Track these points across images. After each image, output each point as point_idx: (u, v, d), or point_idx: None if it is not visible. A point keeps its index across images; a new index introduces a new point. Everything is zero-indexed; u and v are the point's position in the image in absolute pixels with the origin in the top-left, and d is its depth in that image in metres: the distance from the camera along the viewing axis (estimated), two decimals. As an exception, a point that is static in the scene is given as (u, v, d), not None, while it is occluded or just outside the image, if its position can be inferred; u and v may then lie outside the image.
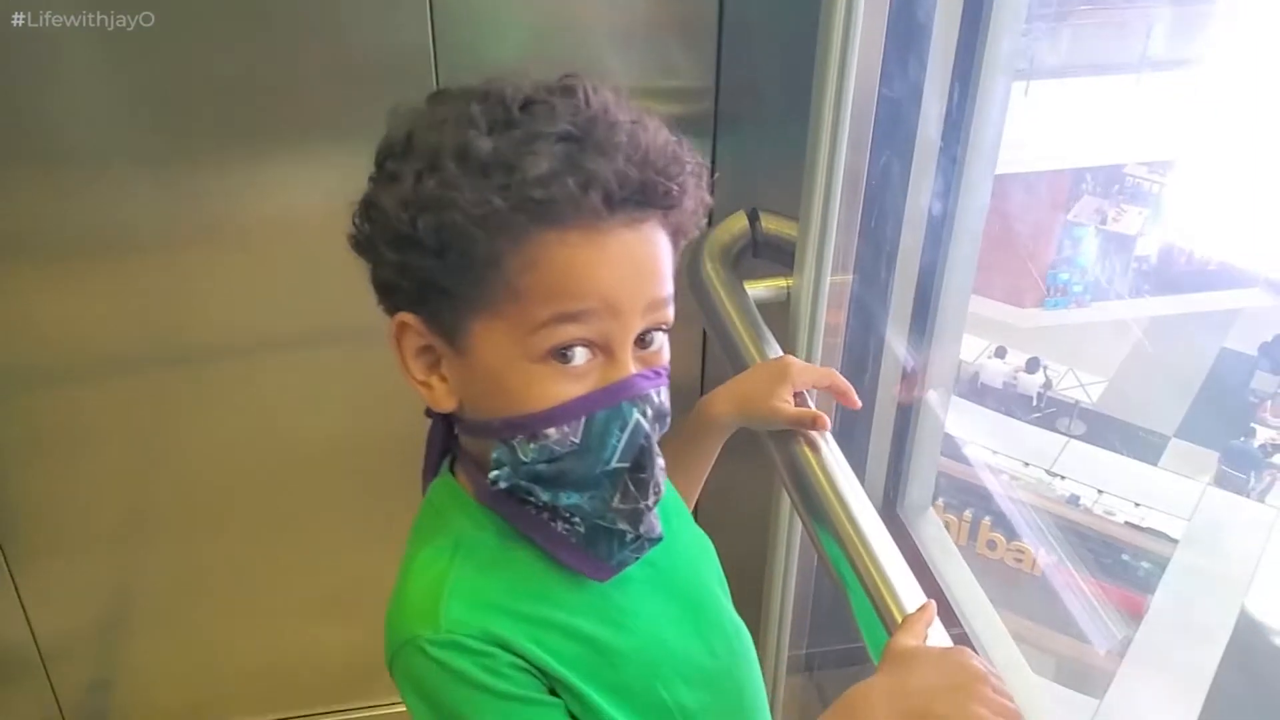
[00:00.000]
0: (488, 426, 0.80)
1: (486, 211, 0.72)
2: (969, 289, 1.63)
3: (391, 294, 0.80)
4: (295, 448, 1.87)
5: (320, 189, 1.66)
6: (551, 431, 0.76)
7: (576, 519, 0.80)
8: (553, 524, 0.81)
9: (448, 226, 0.73)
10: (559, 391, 0.75)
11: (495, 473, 0.79)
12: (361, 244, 0.81)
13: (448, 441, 0.89)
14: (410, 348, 0.81)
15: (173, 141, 1.58)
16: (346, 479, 1.91)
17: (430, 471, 0.92)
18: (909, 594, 0.93)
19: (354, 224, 0.81)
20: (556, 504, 0.79)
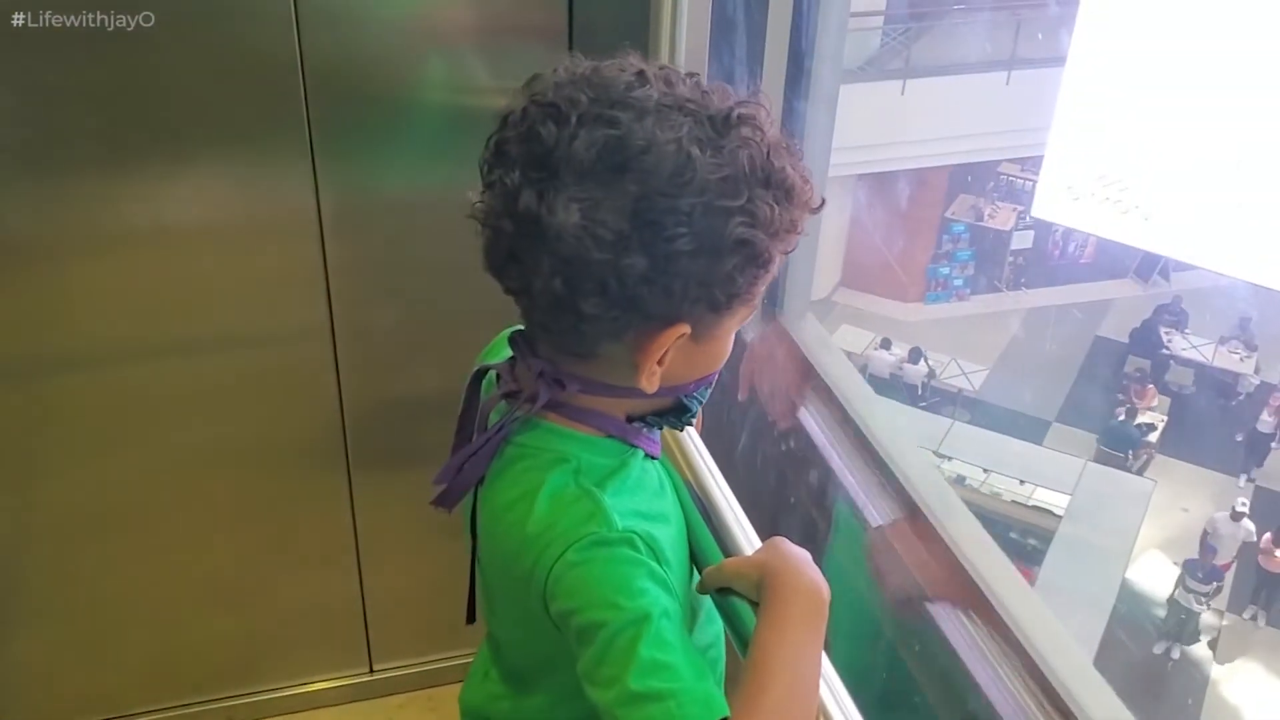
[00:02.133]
0: (678, 389, 0.95)
1: (798, 229, 0.87)
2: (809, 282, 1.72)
3: (665, 305, 0.85)
4: (174, 447, 1.91)
5: (193, 196, 1.71)
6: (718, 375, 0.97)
7: (662, 423, 0.99)
8: (649, 432, 0.99)
9: (769, 243, 0.85)
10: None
11: (689, 415, 0.98)
12: (673, 255, 0.83)
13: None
14: (661, 352, 0.89)
15: (47, 147, 1.62)
16: (225, 476, 1.96)
17: (463, 434, 1.02)
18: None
19: (654, 238, 0.82)
20: (687, 410, 0.98)
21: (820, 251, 1.75)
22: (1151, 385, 8.91)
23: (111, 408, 1.84)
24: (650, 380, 0.89)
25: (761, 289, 0.90)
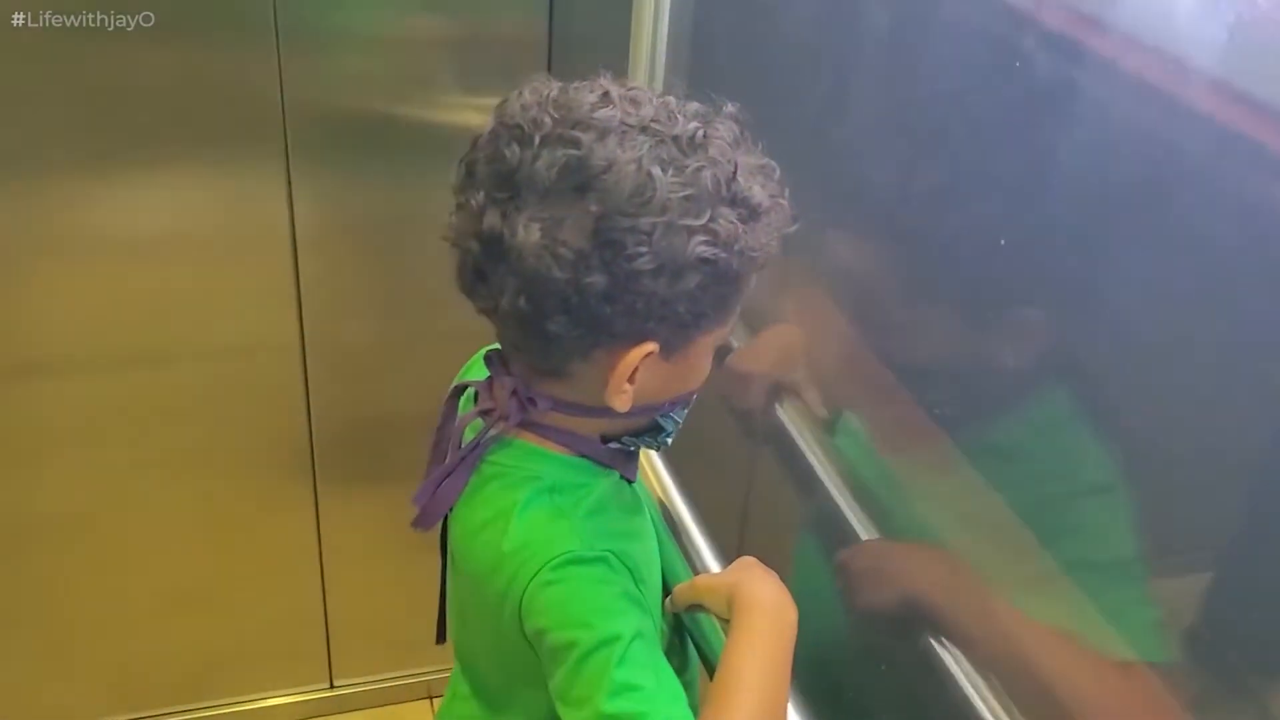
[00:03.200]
0: (653, 408, 0.95)
1: (765, 252, 0.87)
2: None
3: (629, 323, 0.85)
4: (138, 457, 1.89)
5: (166, 205, 1.71)
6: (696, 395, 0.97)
7: (639, 443, 0.99)
8: (627, 454, 0.99)
9: (733, 262, 0.84)
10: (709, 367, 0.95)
11: (665, 435, 0.98)
12: (633, 273, 0.82)
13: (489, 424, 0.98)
14: (631, 370, 0.88)
15: (17, 149, 1.60)
16: (188, 488, 1.94)
17: (439, 450, 1.01)
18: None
19: (615, 257, 0.82)
20: (662, 429, 0.98)
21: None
22: None
23: (75, 416, 1.82)
24: (621, 399, 0.90)
25: (734, 307, 0.90)
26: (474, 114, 1.72)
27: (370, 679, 2.23)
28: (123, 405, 1.83)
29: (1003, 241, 0.83)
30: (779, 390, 1.26)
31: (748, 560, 0.99)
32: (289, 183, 1.71)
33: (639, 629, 0.84)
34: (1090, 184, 0.78)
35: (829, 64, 1.13)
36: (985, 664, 0.90)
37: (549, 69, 1.66)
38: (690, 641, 1.06)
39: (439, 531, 1.04)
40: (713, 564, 1.13)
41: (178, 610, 2.05)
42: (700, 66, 1.31)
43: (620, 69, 1.35)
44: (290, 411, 1.91)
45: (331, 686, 2.22)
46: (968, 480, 0.95)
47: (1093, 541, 0.81)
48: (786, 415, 1.23)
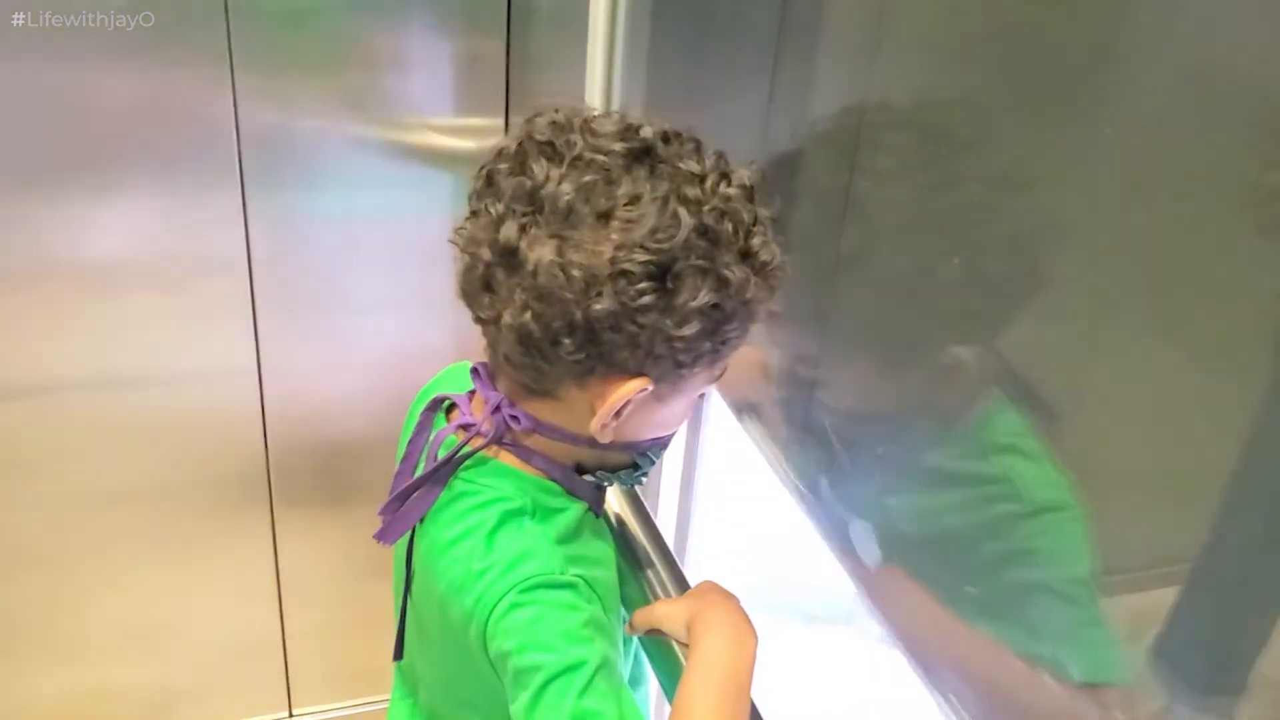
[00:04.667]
0: (633, 445, 0.96)
1: (767, 308, 0.89)
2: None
3: (629, 355, 0.86)
4: (89, 485, 1.86)
5: (117, 226, 1.68)
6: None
7: (613, 479, 1.01)
8: (598, 488, 1.00)
9: (738, 312, 0.86)
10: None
11: (640, 473, 0.99)
12: (643, 308, 0.83)
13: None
14: (622, 403, 0.88)
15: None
16: (142, 515, 1.91)
17: (408, 463, 1.02)
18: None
19: (626, 287, 0.82)
20: (638, 468, 0.99)
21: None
22: None
23: (23, 443, 1.79)
24: (605, 431, 0.90)
25: (727, 357, 0.91)
26: (431, 134, 1.71)
27: (329, 707, 2.20)
28: (74, 433, 1.80)
29: (956, 260, 0.84)
30: (741, 409, 1.27)
31: (707, 584, 0.99)
32: (244, 205, 1.69)
33: (604, 657, 0.84)
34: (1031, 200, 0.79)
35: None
36: (943, 685, 0.90)
37: (506, 89, 1.66)
38: (648, 666, 1.06)
39: (404, 548, 1.02)
40: (674, 589, 1.12)
41: (134, 641, 2.02)
42: (656, 86, 1.32)
43: (577, 89, 1.36)
44: (246, 437, 1.89)
45: (291, 714, 2.19)
46: (920, 504, 0.96)
47: (1045, 562, 0.81)
48: (750, 434, 1.23)
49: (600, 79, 1.27)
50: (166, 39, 1.56)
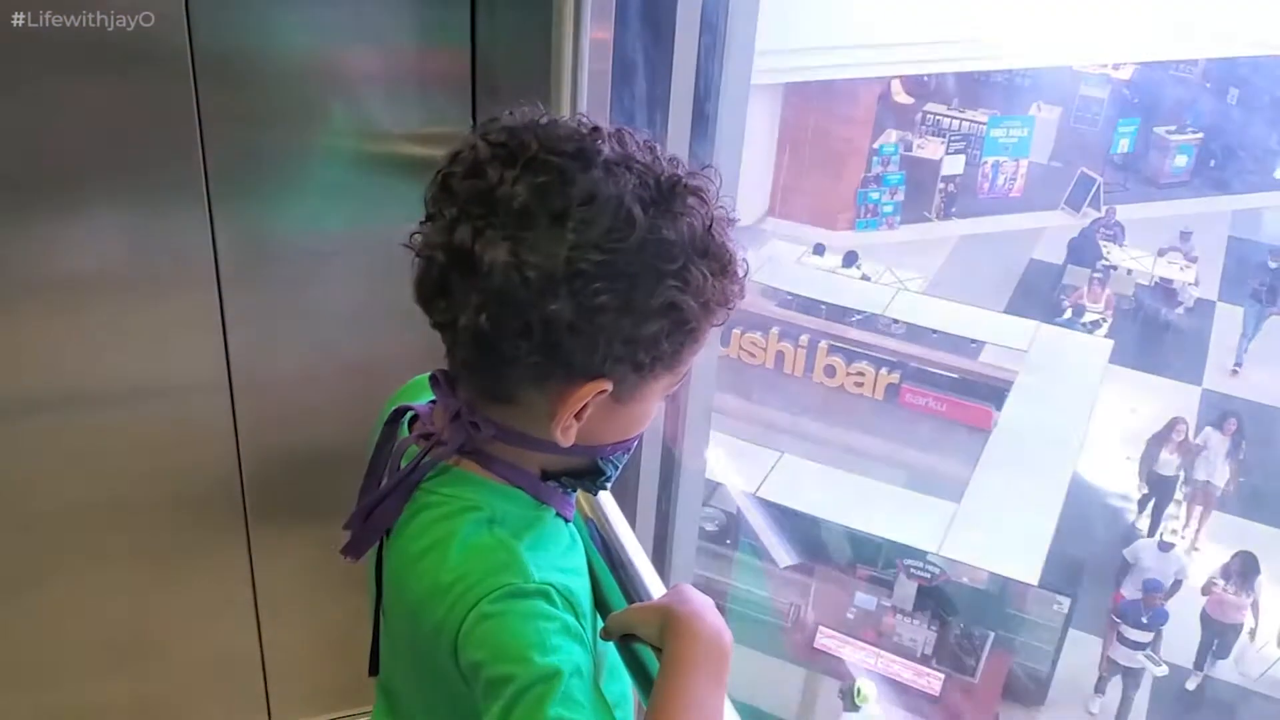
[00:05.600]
0: (596, 449, 0.95)
1: (729, 302, 0.89)
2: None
3: (587, 357, 0.86)
4: (62, 503, 1.84)
5: (83, 243, 1.67)
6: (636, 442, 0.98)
7: (578, 485, 1.00)
8: (564, 494, 0.99)
9: (697, 312, 0.86)
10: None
11: (605, 479, 0.98)
12: (600, 308, 0.84)
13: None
14: (581, 405, 0.89)
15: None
16: (116, 532, 1.90)
17: (373, 476, 1.01)
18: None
19: (583, 288, 0.83)
20: (603, 474, 0.98)
21: (746, 173, 1.73)
22: (1099, 284, 9.14)
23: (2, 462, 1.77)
24: (566, 433, 0.90)
25: (688, 359, 0.91)
26: (398, 144, 1.71)
27: (310, 719, 2.19)
28: (44, 452, 1.79)
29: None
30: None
31: (682, 587, 0.99)
32: (210, 218, 1.69)
33: (577, 665, 0.84)
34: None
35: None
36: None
37: (472, 100, 1.66)
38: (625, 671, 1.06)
39: (374, 561, 1.02)
40: (652, 592, 1.13)
41: (111, 658, 2.00)
42: (621, 99, 1.33)
43: (542, 100, 1.36)
44: (219, 451, 1.88)
45: (270, 728, 2.18)
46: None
47: None
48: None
49: (567, 90, 1.28)
50: (125, 56, 1.55)
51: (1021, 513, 6.62)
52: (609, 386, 0.88)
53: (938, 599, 6.26)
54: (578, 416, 0.89)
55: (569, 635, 0.87)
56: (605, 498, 1.21)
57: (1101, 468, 7.42)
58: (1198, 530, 7.12)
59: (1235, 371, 8.84)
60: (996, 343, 8.08)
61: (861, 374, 7.72)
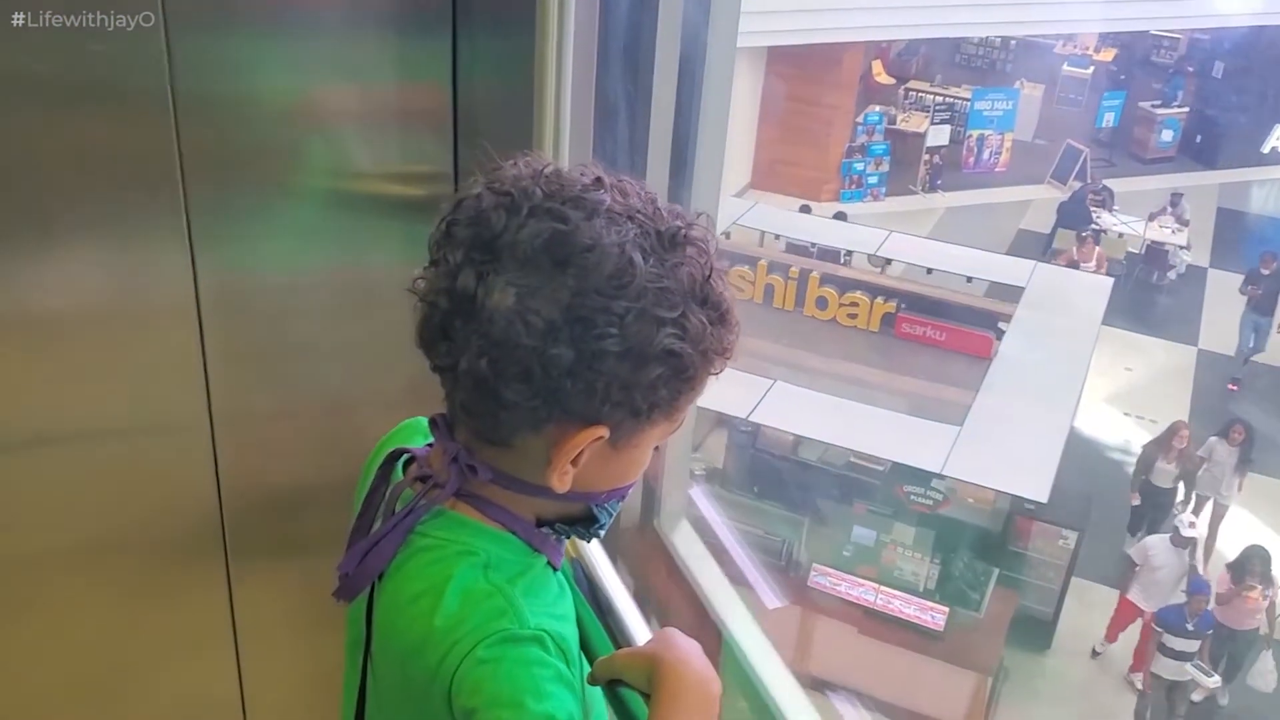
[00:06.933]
0: (590, 496, 0.95)
1: (727, 351, 0.90)
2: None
3: (586, 403, 0.87)
4: (41, 543, 1.83)
5: (63, 280, 1.66)
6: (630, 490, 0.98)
7: (571, 532, 1.00)
8: (556, 541, 0.99)
9: (695, 359, 0.87)
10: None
11: (599, 526, 0.98)
12: (600, 353, 0.85)
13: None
14: (578, 451, 0.89)
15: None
16: (95, 571, 1.88)
17: (365, 519, 1.01)
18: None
19: (584, 334, 0.85)
20: (596, 521, 0.98)
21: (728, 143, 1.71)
22: (1092, 241, 9.19)
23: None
24: (562, 479, 0.90)
25: (685, 406, 0.92)
26: (379, 183, 1.71)
27: (290, 760, 2.17)
28: (23, 490, 1.77)
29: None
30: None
31: (669, 631, 0.99)
32: (191, 255, 1.68)
33: (570, 713, 0.85)
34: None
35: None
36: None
37: (454, 138, 1.66)
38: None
39: (363, 604, 1.01)
40: (638, 637, 1.12)
41: (90, 700, 1.98)
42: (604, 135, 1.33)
43: (525, 139, 1.37)
44: (200, 488, 1.86)
45: (250, 769, 2.15)
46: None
47: None
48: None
49: (550, 128, 1.29)
50: (107, 94, 1.55)
51: (1028, 433, 6.31)
52: (606, 433, 0.88)
53: (939, 530, 6.05)
54: (574, 462, 0.90)
55: (562, 682, 0.87)
56: (593, 543, 1.21)
57: (1100, 417, 7.43)
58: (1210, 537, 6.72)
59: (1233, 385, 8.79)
60: (993, 278, 7.94)
61: (855, 304, 7.48)
